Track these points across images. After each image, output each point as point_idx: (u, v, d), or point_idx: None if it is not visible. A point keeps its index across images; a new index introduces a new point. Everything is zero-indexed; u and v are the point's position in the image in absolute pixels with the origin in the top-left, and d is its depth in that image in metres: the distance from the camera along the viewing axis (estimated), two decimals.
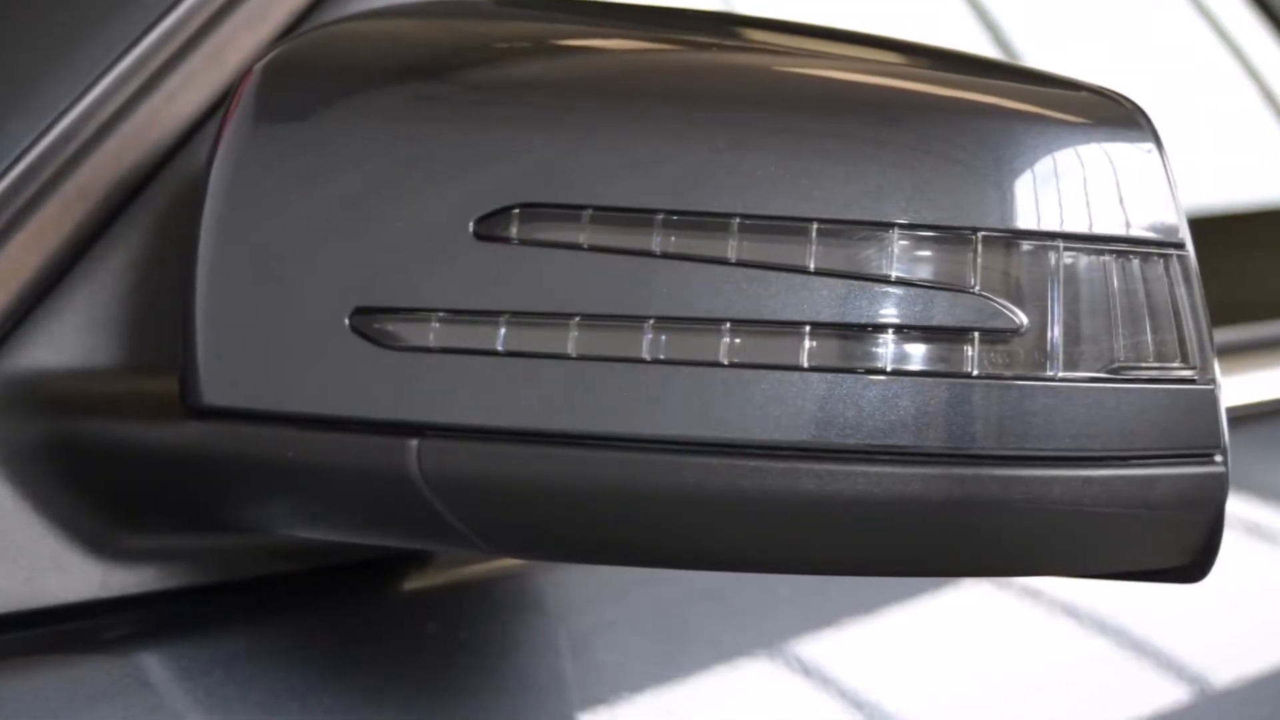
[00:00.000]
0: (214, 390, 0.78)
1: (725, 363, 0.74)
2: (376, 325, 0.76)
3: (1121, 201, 0.76)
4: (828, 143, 0.75)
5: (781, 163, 0.74)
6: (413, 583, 0.96)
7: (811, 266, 0.74)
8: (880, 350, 0.74)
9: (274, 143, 0.78)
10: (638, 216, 0.75)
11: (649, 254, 0.75)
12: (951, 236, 0.74)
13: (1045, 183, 0.75)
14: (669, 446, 0.74)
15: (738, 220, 0.74)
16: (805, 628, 1.07)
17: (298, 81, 0.79)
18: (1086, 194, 0.76)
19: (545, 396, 0.75)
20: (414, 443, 0.76)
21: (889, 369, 0.74)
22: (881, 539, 0.76)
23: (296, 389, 0.77)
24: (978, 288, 0.74)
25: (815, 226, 0.74)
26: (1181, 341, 0.77)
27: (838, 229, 0.74)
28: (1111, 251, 0.76)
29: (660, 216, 0.75)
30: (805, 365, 0.74)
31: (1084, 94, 0.78)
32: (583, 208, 0.75)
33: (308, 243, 0.77)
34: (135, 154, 0.88)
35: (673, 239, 0.75)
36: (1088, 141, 0.76)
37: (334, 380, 0.76)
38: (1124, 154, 0.77)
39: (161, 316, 0.86)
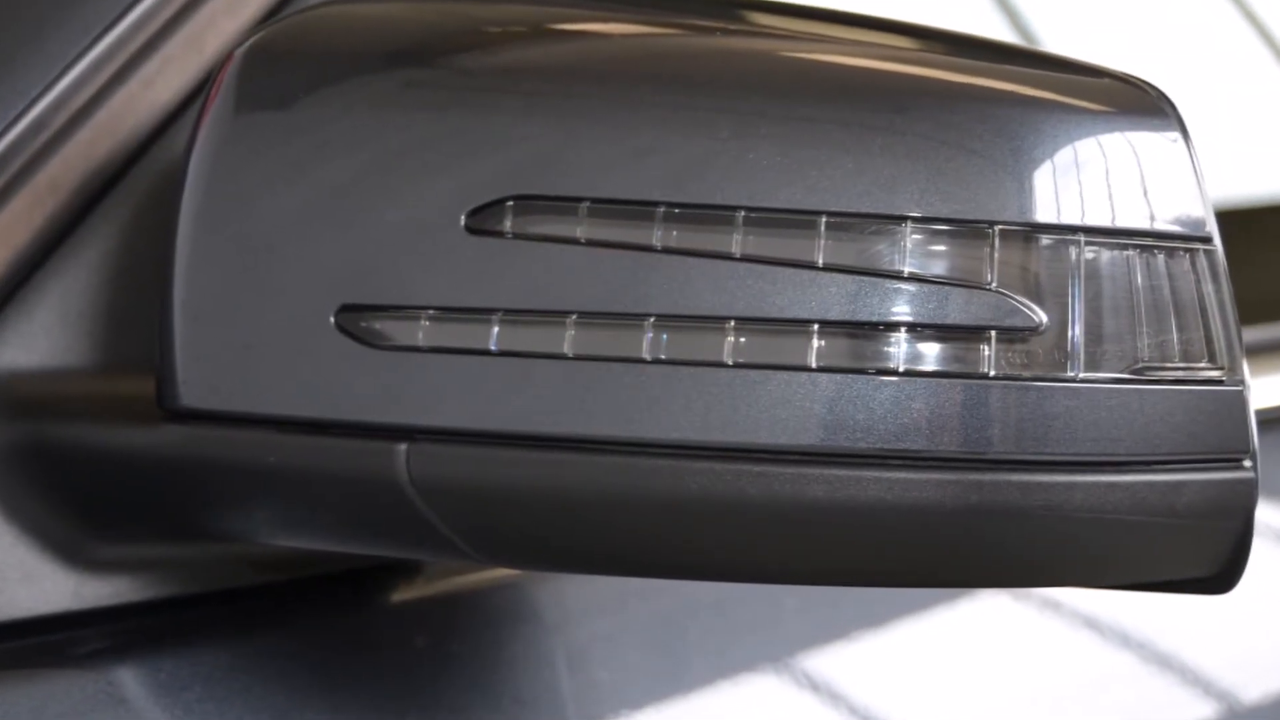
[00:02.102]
0: (193, 392, 0.77)
1: (729, 363, 0.73)
2: (363, 323, 0.76)
3: (1146, 193, 0.76)
4: (837, 132, 0.74)
5: (788, 153, 0.74)
6: (401, 594, 0.95)
7: (820, 262, 0.73)
8: (892, 350, 0.73)
9: (256, 132, 0.77)
10: (637, 209, 0.74)
11: (649, 249, 0.74)
12: (967, 230, 0.73)
13: (1066, 174, 0.74)
14: (670, 451, 0.73)
15: (742, 213, 0.74)
16: (813, 641, 1.07)
17: (281, 67, 0.78)
18: (1109, 186, 0.75)
19: (540, 398, 0.74)
20: (403, 447, 0.75)
21: (902, 369, 0.73)
22: (894, 548, 0.75)
23: (279, 391, 0.76)
24: (995, 284, 0.73)
25: (824, 220, 0.73)
26: (1208, 340, 0.77)
27: (847, 222, 0.73)
28: (1135, 246, 0.75)
29: (661, 209, 0.74)
30: (814, 365, 0.73)
31: (1106, 81, 0.77)
32: (580, 200, 0.74)
33: (291, 237, 0.76)
34: (110, 144, 0.87)
35: (674, 233, 0.74)
36: (1110, 130, 0.75)
37: (319, 381, 0.76)
38: (1148, 144, 0.76)
39: (137, 314, 0.86)
